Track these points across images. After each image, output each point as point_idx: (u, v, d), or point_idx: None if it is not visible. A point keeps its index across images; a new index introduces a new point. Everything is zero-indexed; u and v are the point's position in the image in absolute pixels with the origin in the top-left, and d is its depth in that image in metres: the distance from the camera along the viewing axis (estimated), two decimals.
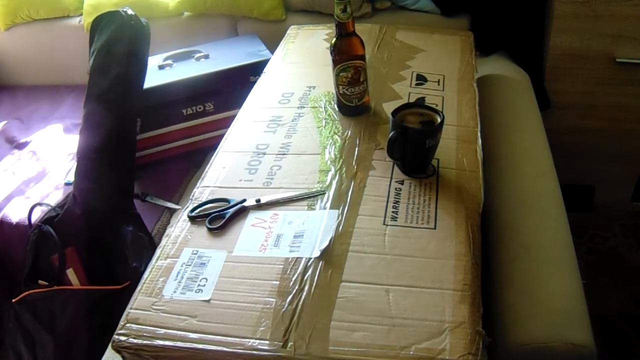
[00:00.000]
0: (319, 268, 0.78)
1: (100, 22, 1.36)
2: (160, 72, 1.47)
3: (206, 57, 1.52)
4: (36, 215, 1.29)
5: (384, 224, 0.84)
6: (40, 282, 1.19)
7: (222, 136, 1.07)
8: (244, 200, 0.90)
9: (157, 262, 0.82)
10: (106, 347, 0.97)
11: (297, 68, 1.26)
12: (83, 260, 1.20)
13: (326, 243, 0.81)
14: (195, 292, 0.77)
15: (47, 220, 1.22)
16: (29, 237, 1.21)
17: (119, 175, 1.28)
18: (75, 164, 1.29)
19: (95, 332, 1.14)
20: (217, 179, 0.97)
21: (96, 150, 1.26)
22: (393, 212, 0.85)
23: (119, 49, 1.31)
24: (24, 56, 1.96)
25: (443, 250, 0.79)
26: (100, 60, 1.32)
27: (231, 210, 0.88)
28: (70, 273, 1.19)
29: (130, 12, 1.35)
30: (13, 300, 1.18)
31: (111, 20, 1.34)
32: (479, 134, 1.01)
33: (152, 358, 0.72)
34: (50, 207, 1.25)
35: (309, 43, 1.36)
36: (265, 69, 1.27)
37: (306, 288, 0.75)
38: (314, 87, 1.17)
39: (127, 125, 1.31)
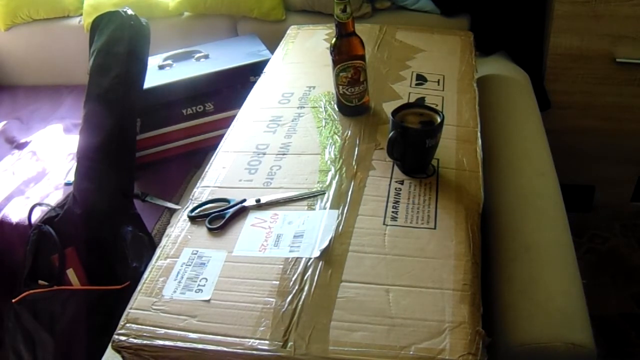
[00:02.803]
0: (319, 268, 0.78)
1: (100, 22, 1.36)
2: (160, 72, 1.47)
3: (206, 57, 1.52)
4: (36, 215, 1.29)
5: (383, 224, 0.84)
6: (40, 282, 1.19)
7: (222, 136, 1.07)
8: (244, 200, 0.90)
9: (157, 262, 0.82)
10: (106, 347, 0.97)
11: (297, 68, 1.26)
12: (83, 260, 1.20)
13: (326, 243, 0.81)
14: (195, 292, 0.77)
15: (47, 220, 1.22)
16: (29, 237, 1.21)
17: (119, 175, 1.28)
18: (75, 164, 1.29)
19: (95, 332, 1.14)
20: (217, 179, 0.97)
21: (96, 150, 1.26)
22: (393, 212, 0.85)
23: (119, 48, 1.31)
24: (24, 56, 1.96)
25: (443, 250, 0.79)
26: (100, 60, 1.32)
27: (231, 210, 0.88)
28: (70, 273, 1.19)
29: (130, 12, 1.35)
30: (13, 300, 1.18)
31: (111, 20, 1.34)
32: (479, 134, 1.01)
33: (152, 358, 0.72)
34: (50, 207, 1.25)
35: (309, 43, 1.36)
36: (265, 69, 1.27)
37: (306, 288, 0.75)
38: (314, 87, 1.17)
39: (127, 126, 1.31)
